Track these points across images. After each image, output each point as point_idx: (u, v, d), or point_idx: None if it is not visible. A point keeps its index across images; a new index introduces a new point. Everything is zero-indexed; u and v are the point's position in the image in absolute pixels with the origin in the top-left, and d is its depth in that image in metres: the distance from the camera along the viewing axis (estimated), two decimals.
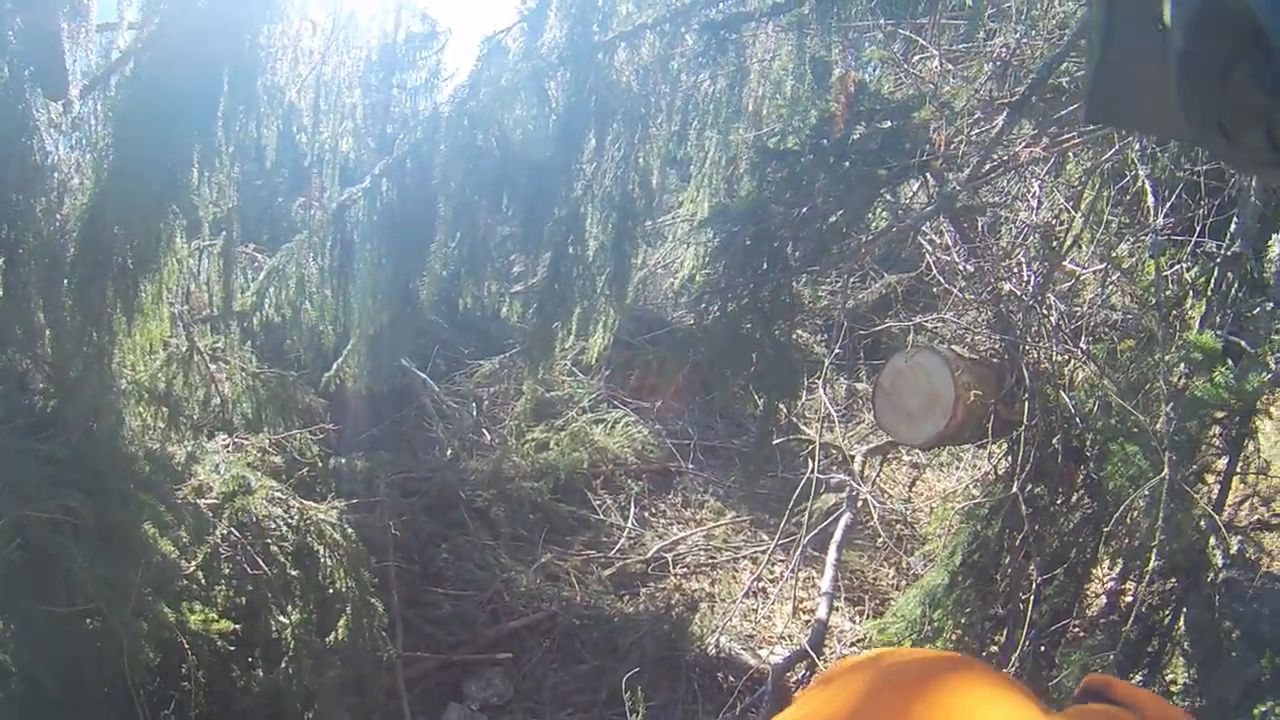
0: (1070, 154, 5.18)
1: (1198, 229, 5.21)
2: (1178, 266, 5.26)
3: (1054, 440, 4.79)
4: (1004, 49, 4.65)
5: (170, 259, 5.33)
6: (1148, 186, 4.75)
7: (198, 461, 5.06)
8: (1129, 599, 5.01)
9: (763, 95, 5.17)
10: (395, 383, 7.78)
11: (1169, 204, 5.11)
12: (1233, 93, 0.85)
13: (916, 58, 5.23)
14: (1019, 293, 4.89)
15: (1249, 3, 0.81)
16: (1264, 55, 0.81)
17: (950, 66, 4.92)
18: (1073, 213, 5.24)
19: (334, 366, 6.01)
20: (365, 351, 5.89)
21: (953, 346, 4.96)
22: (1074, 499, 4.99)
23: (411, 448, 8.10)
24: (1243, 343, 4.81)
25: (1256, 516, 6.04)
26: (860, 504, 6.97)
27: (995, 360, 4.94)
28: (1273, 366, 4.62)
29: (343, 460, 7.01)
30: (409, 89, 12.08)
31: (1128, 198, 5.27)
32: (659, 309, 9.32)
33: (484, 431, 8.38)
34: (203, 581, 4.63)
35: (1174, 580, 4.79)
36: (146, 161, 4.72)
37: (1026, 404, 4.71)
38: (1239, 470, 5.05)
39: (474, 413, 8.52)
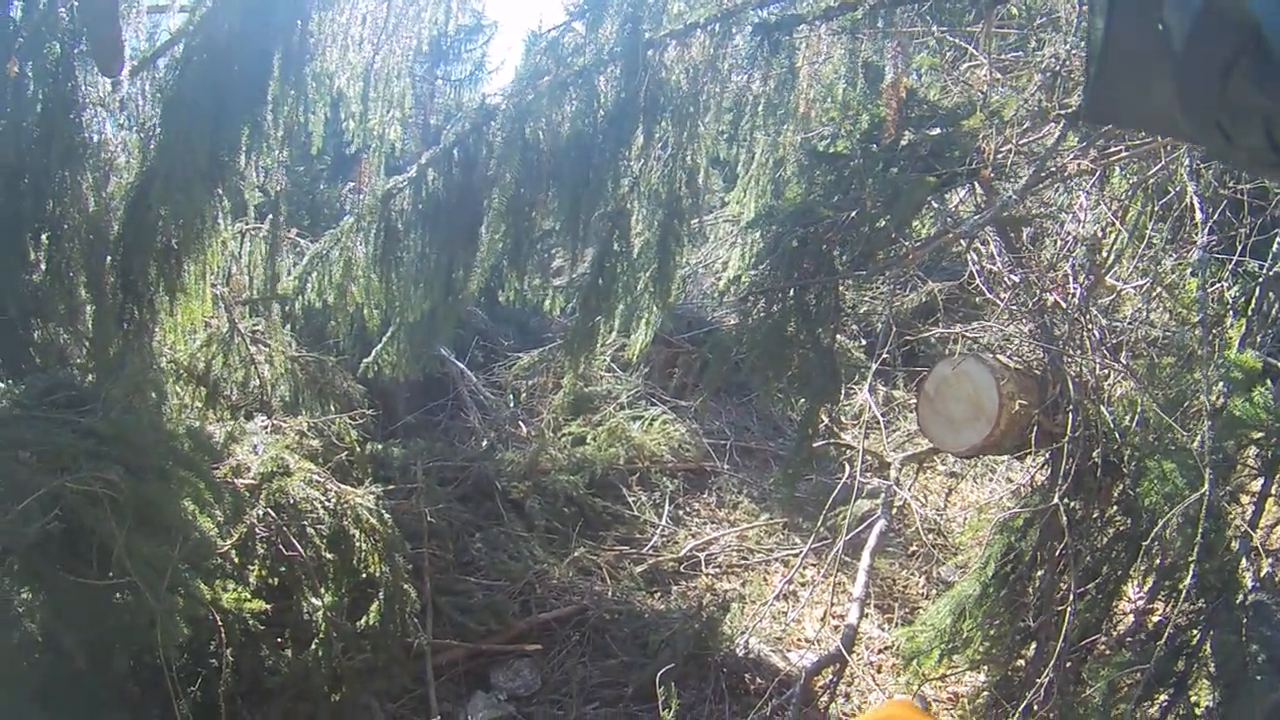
0: (1116, 167, 5.11)
1: (1240, 247, 5.13)
2: (1220, 284, 5.18)
3: (1094, 454, 4.72)
4: (1054, 59, 4.59)
5: (214, 240, 5.43)
6: (1195, 202, 4.67)
7: (236, 441, 5.11)
8: (1157, 618, 4.95)
9: (813, 98, 5.12)
10: (434, 371, 7.84)
11: (1212, 221, 5.03)
12: (1232, 93, 0.86)
13: (966, 65, 5.18)
14: (1064, 305, 4.82)
15: (1249, 4, 0.81)
16: (1264, 55, 0.81)
17: (1000, 75, 4.88)
18: (1118, 226, 5.18)
19: (373, 353, 6.09)
20: (405, 339, 5.98)
21: (998, 356, 4.89)
22: (1109, 514, 4.92)
23: (448, 437, 8.17)
24: None
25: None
26: (895, 511, 6.91)
27: (1038, 372, 4.88)
28: None
29: (380, 446, 7.05)
30: (454, 80, 12.16)
31: (1172, 214, 5.19)
32: (700, 308, 9.31)
33: (521, 424, 8.40)
34: (237, 560, 4.69)
35: (1203, 601, 4.71)
36: (194, 143, 4.78)
37: (1069, 416, 4.65)
38: (1274, 492, 4.97)
39: (511, 404, 8.55)
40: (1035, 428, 4.77)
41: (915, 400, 5.09)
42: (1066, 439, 4.63)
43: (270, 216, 6.15)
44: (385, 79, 5.65)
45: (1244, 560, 4.72)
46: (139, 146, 5.20)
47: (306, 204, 8.56)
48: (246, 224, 6.07)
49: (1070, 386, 4.66)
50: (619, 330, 5.95)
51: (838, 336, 5.61)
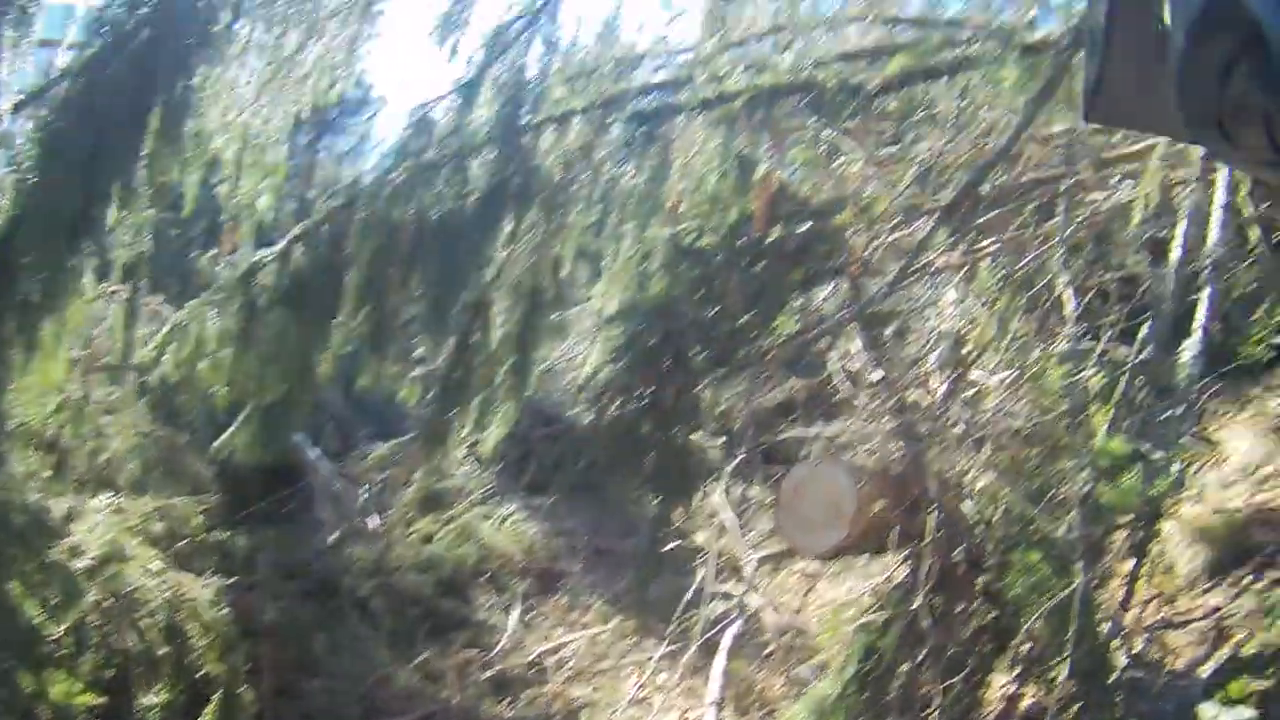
0: (983, 262, 5.29)
1: (1106, 335, 5.34)
2: (1085, 372, 5.36)
3: (955, 551, 4.77)
4: (929, 153, 4.74)
5: (76, 299, 5.14)
6: (1069, 293, 4.84)
7: (76, 519, 4.85)
8: (1027, 702, 5.03)
9: (684, 190, 5.18)
10: (287, 457, 7.57)
11: (1081, 309, 5.24)
12: (1233, 93, 0.85)
13: (841, 159, 5.32)
14: (925, 402, 4.91)
15: (1249, 3, 0.80)
16: (1264, 55, 0.80)
17: (874, 169, 5.01)
18: (985, 319, 5.33)
19: (227, 434, 5.75)
20: (259, 422, 5.68)
21: (856, 457, 4.95)
22: (974, 606, 4.96)
23: (298, 528, 7.86)
24: (1149, 446, 4.88)
25: (1160, 615, 6.19)
26: (751, 613, 6.86)
27: (899, 470, 4.94)
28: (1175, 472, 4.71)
29: (225, 535, 6.75)
30: (337, 153, 12.02)
31: (1041, 304, 5.38)
32: (558, 404, 9.16)
33: (372, 518, 8.15)
34: (68, 650, 4.40)
35: (1074, 683, 4.79)
36: (63, 192, 4.56)
37: (929, 516, 4.70)
38: (1143, 574, 5.11)
39: (363, 497, 8.29)
40: (894, 527, 4.81)
41: (772, 502, 5.09)
42: (930, 538, 4.67)
43: (133, 281, 5.88)
44: (262, 146, 5.52)
45: (1116, 640, 4.86)
46: (13, 188, 4.94)
47: (176, 270, 8.25)
48: (111, 286, 5.80)
49: (931, 485, 4.71)
50: (475, 424, 5.82)
51: (694, 434, 5.61)
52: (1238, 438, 7.21)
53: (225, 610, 5.04)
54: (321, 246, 5.40)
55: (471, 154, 5.29)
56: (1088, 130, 5.27)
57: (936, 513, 4.71)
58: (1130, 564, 4.96)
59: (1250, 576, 6.17)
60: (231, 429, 5.71)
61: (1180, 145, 5.60)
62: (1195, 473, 7.05)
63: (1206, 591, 6.26)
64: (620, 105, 5.14)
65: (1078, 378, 5.16)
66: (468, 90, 5.28)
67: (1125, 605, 4.88)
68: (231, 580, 5.81)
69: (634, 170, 5.18)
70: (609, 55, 5.59)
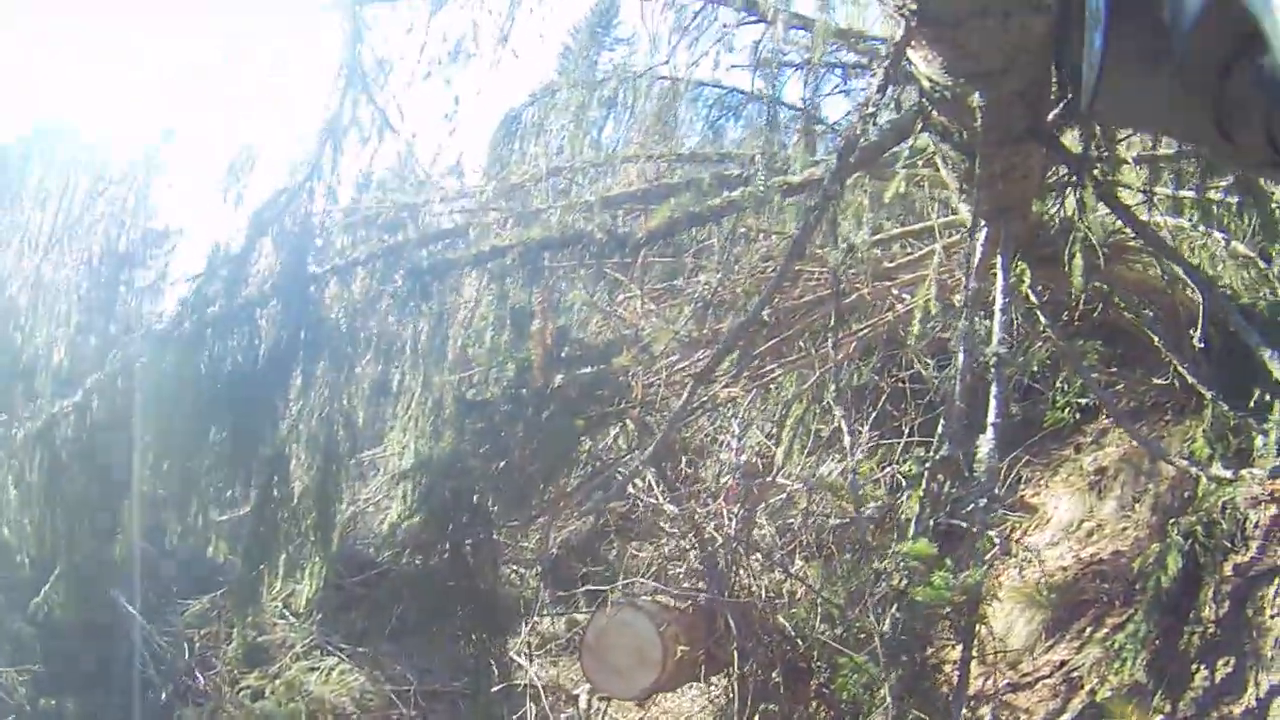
0: (772, 385, 5.40)
1: (906, 432, 5.48)
2: (889, 469, 5.50)
3: (777, 665, 4.83)
4: (705, 287, 4.82)
5: None
6: (841, 420, 4.96)
7: None
8: None
9: (465, 343, 5.20)
10: (104, 616, 7.30)
11: (875, 413, 5.37)
12: (1232, 93, 0.87)
13: (621, 297, 5.39)
14: (721, 534, 4.96)
15: (1249, 3, 0.81)
16: (1263, 55, 0.82)
17: (653, 306, 5.08)
18: (783, 436, 5.43)
19: (42, 593, 5.62)
20: (73, 579, 5.58)
21: (657, 598, 4.96)
22: (810, 711, 5.01)
23: (126, 689, 7.53)
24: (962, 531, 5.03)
25: (1006, 681, 6.35)
26: None
27: (705, 601, 4.97)
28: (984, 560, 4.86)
29: (54, 701, 6.59)
30: (137, 289, 11.69)
31: (835, 418, 5.51)
32: (369, 548, 9.01)
33: (198, 675, 7.86)
34: None
35: None
36: None
37: (738, 642, 4.74)
38: (974, 655, 5.25)
39: (186, 655, 8.00)
40: (706, 659, 4.84)
41: (579, 651, 5.08)
42: (737, 665, 4.71)
43: None
44: (55, 290, 5.39)
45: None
46: None
47: None
48: None
49: (732, 616, 4.76)
50: (285, 577, 5.70)
51: (510, 569, 5.59)
52: (1057, 499, 7.51)
53: None
54: (119, 397, 5.31)
55: (260, 306, 5.27)
56: (867, 245, 5.47)
57: (743, 635, 4.76)
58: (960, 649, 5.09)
59: (1090, 627, 6.44)
60: (46, 587, 5.59)
61: (954, 250, 5.88)
62: (1020, 539, 7.37)
63: (1049, 649, 6.50)
64: (401, 255, 5.14)
65: (880, 476, 5.32)
66: (253, 239, 5.24)
67: (963, 682, 4.99)
68: None
69: (417, 322, 5.18)
70: (390, 202, 5.58)
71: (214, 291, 5.32)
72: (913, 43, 3.93)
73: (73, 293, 5.58)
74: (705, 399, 4.79)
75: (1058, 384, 6.57)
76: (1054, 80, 4.07)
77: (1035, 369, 6.26)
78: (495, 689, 5.66)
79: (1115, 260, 5.35)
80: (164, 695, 7.48)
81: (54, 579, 5.57)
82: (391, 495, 6.53)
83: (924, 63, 3.99)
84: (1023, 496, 7.73)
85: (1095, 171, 4.77)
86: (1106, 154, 4.75)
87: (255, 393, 5.28)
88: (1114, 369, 6.01)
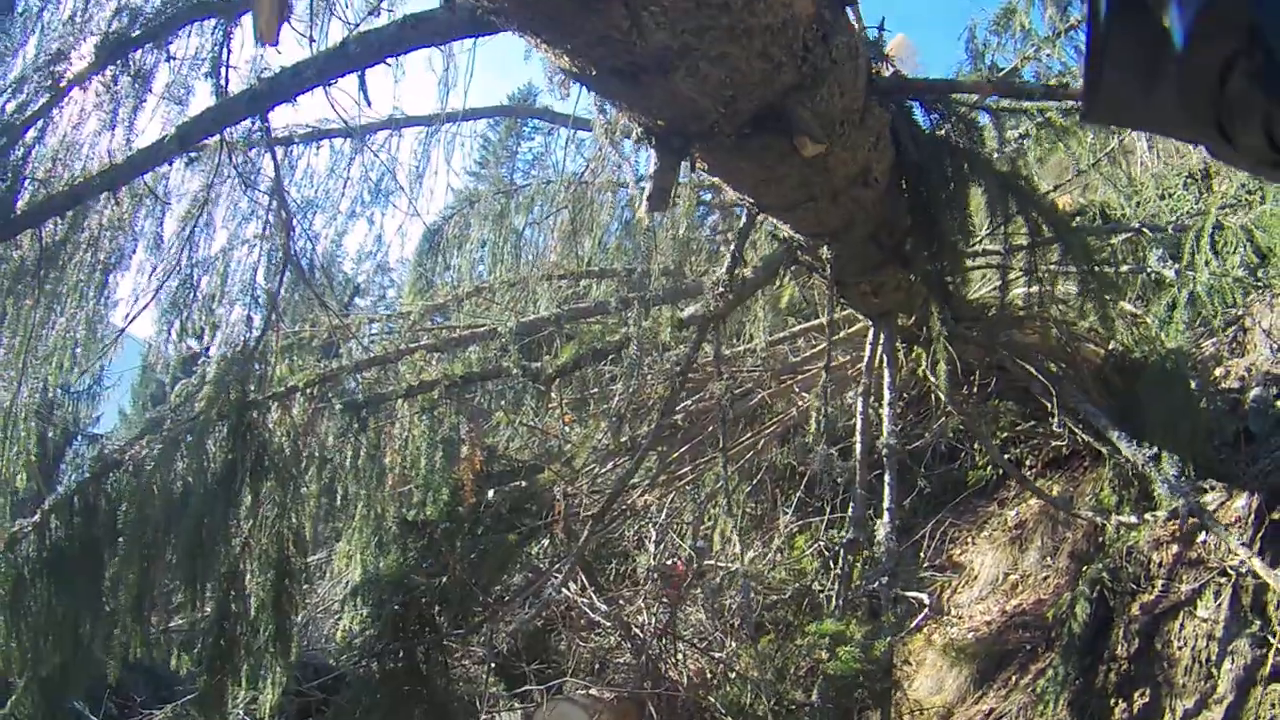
0: (687, 487, 5.89)
1: (825, 515, 5.99)
2: (814, 547, 6.01)
3: None
4: (622, 400, 5.33)
5: None
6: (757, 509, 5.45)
7: None
8: None
9: (401, 468, 5.64)
10: None
11: (795, 497, 5.88)
12: (1232, 93, 0.89)
13: (546, 410, 5.87)
14: (646, 629, 5.44)
15: (1249, 3, 0.84)
16: (1264, 55, 0.84)
17: (573, 416, 5.58)
18: (698, 530, 5.93)
19: (8, 706, 5.81)
20: (38, 693, 5.74)
21: (590, 691, 5.43)
22: None
23: None
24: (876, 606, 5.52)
25: None
26: None
27: (631, 691, 5.44)
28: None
29: None
30: (73, 392, 11.78)
31: (747, 511, 6.01)
32: (326, 653, 9.14)
33: None
34: None
35: None
36: None
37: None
38: (895, 716, 5.74)
39: None
40: None
41: None
42: None
43: None
44: (13, 420, 5.67)
45: None
46: None
47: None
48: None
49: (666, 697, 5.23)
50: (247, 686, 6.04)
51: (463, 667, 6.00)
52: (982, 554, 8.00)
53: None
54: (76, 518, 5.59)
55: (207, 432, 5.61)
56: (767, 348, 6.02)
57: (684, 713, 5.22)
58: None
59: (1015, 675, 6.94)
60: (11, 701, 5.78)
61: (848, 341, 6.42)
62: (950, 598, 7.86)
63: (979, 700, 7.00)
64: (336, 383, 5.59)
65: (806, 559, 5.83)
66: (195, 370, 5.61)
67: None
68: None
69: (356, 447, 5.62)
70: (325, 325, 6.02)
71: (163, 415, 5.72)
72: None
73: (32, 420, 5.86)
74: (624, 505, 5.31)
75: (978, 445, 6.99)
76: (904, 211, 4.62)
77: (951, 434, 6.72)
78: None
79: (1014, 327, 5.89)
80: None
81: (19, 692, 5.75)
82: (344, 604, 6.91)
83: (778, 223, 4.53)
84: (950, 555, 8.24)
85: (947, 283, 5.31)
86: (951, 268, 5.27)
87: (207, 515, 5.56)
88: (1031, 424, 6.43)
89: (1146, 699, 5.46)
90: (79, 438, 9.37)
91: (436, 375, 5.28)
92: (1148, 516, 5.68)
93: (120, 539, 5.64)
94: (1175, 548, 5.80)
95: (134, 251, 5.70)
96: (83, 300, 5.66)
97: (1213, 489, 5.67)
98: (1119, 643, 5.98)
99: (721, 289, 5.05)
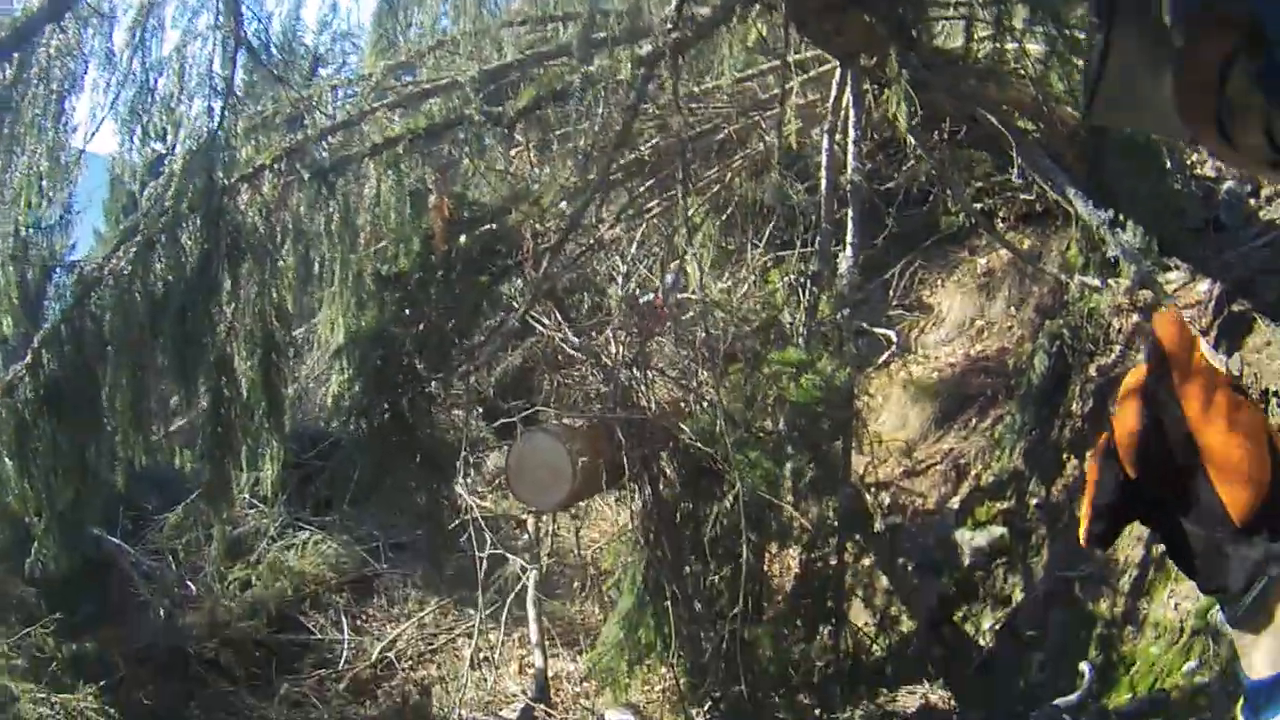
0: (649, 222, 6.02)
1: (796, 249, 6.16)
2: (783, 282, 6.19)
3: (686, 470, 5.55)
4: (586, 135, 5.40)
5: None
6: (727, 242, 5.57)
7: None
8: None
9: (373, 224, 5.75)
10: (92, 555, 7.83)
11: (767, 231, 6.04)
12: (1232, 93, 0.88)
13: (514, 153, 5.95)
14: (615, 359, 5.61)
15: (1249, 3, 0.83)
16: (1264, 55, 0.83)
17: (538, 160, 5.68)
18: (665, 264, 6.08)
19: (32, 550, 6.03)
20: (57, 530, 5.96)
21: (562, 420, 5.68)
22: (724, 507, 5.59)
23: (128, 617, 8.17)
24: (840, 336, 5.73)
25: (903, 468, 7.26)
26: (544, 559, 7.71)
27: (602, 418, 5.67)
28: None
29: (74, 646, 7.04)
30: (44, 227, 11.76)
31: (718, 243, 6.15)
32: (319, 421, 9.58)
33: (188, 583, 8.49)
34: None
35: (834, 540, 5.70)
36: None
37: (634, 449, 5.45)
38: (854, 445, 6.05)
39: (173, 567, 8.62)
40: (607, 470, 5.59)
41: (505, 476, 5.80)
42: (654, 465, 5.42)
43: None
44: None
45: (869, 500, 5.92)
46: None
47: None
48: None
49: (636, 423, 5.46)
50: (248, 468, 6.28)
51: (453, 414, 6.24)
52: (950, 298, 8.22)
53: (112, 712, 5.62)
54: (67, 347, 5.74)
55: (179, 226, 5.74)
56: (734, 84, 6.09)
57: (653, 438, 5.47)
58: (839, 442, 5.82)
59: (975, 419, 7.22)
60: (35, 545, 6.00)
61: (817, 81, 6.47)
62: (917, 338, 8.08)
63: (939, 439, 7.30)
64: (302, 154, 5.67)
65: (766, 293, 6.00)
66: (160, 164, 5.67)
67: (845, 469, 5.73)
68: (100, 684, 6.27)
69: (328, 212, 5.73)
70: (285, 99, 6.04)
71: (132, 222, 5.83)
72: None
73: (8, 267, 5.91)
74: (593, 240, 5.46)
75: (950, 191, 7.11)
76: None
77: (924, 179, 6.82)
78: (450, 528, 6.36)
79: (984, 79, 5.94)
80: (163, 610, 8.14)
81: (40, 535, 5.95)
82: (330, 369, 7.13)
83: None
84: (920, 297, 8.47)
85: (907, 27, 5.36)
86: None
87: (190, 305, 5.71)
88: (1005, 177, 6.54)
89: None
90: (57, 270, 9.45)
91: (400, 131, 5.36)
92: (1110, 282, 5.83)
93: (112, 356, 5.78)
94: (1135, 318, 6.04)
95: (85, 72, 5.73)
96: (41, 134, 5.66)
97: (1176, 269, 5.79)
98: (1074, 399, 6.26)
99: (670, 25, 5.10)
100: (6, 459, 5.74)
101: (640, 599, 5.73)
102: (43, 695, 5.40)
